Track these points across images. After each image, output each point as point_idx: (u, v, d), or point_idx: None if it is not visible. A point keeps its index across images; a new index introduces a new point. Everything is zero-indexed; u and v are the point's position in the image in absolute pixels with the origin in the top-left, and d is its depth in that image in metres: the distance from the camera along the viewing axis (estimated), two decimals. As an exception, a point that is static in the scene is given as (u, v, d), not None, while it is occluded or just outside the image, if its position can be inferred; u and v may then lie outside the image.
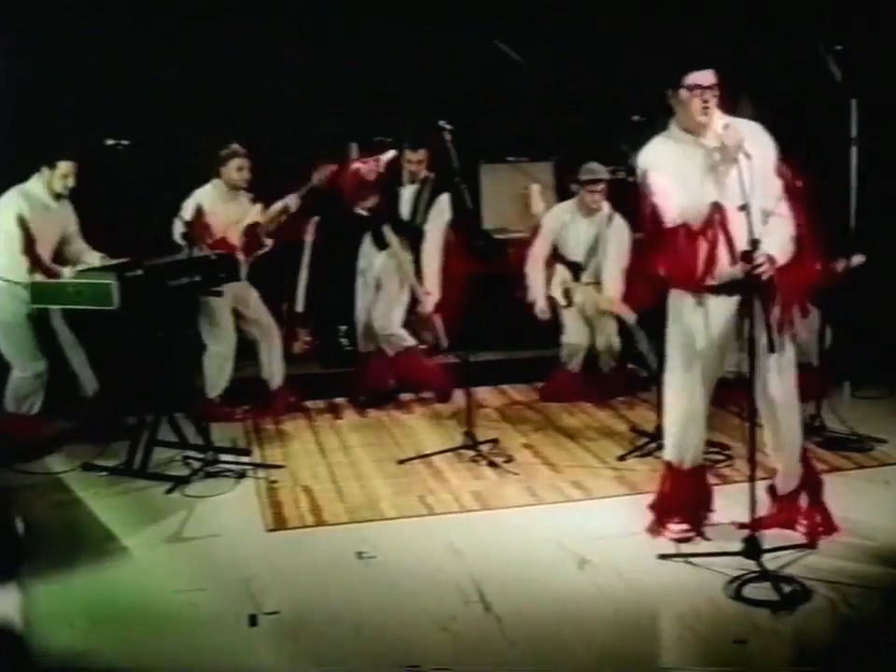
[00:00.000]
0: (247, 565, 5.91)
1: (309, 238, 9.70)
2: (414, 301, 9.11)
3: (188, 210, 8.09)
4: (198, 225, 8.01)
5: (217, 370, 8.69)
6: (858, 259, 8.02)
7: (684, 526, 6.07)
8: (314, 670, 4.85)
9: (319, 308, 9.89)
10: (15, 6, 8.41)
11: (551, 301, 9.12)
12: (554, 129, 8.71)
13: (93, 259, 8.07)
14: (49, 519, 6.70)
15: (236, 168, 8.49)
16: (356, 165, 8.88)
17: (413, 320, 9.29)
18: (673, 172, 5.67)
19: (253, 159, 8.54)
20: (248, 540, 6.34)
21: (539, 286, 9.08)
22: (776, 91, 8.91)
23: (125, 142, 7.41)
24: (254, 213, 8.61)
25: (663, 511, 6.15)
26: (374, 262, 9.15)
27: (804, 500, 6.04)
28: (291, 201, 8.69)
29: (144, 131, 7.91)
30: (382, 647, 4.98)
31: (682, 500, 6.11)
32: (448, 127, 7.96)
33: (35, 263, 7.63)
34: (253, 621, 5.22)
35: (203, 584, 5.68)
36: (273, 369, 9.04)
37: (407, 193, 8.98)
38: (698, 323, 5.79)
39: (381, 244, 9.07)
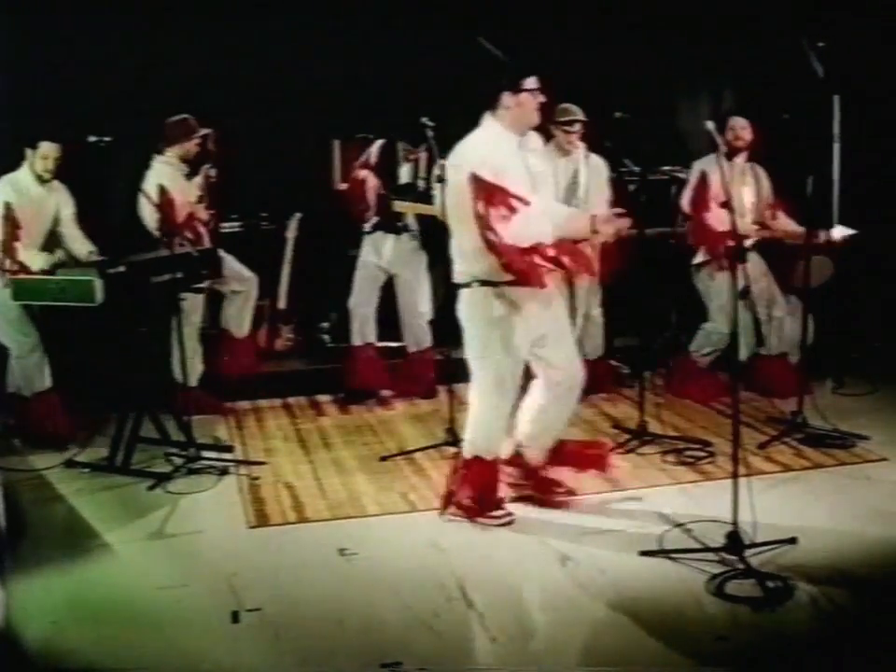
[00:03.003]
0: (230, 561, 5.91)
1: (291, 234, 9.70)
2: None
3: (151, 191, 8.03)
4: (167, 204, 7.97)
5: (192, 352, 8.60)
6: (839, 233, 8.03)
7: (505, 511, 6.40)
8: (296, 667, 4.85)
9: (302, 304, 9.88)
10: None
11: None
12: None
13: (82, 249, 8.06)
14: (31, 515, 6.68)
15: (197, 143, 8.48)
16: (359, 175, 8.87)
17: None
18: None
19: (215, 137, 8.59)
20: (230, 537, 6.34)
21: None
22: (758, 87, 8.93)
23: (107, 138, 7.40)
24: (196, 186, 8.55)
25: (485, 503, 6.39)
26: (384, 251, 9.01)
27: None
28: (209, 171, 8.64)
29: (126, 127, 7.87)
30: (364, 643, 4.98)
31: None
32: (430, 123, 7.96)
33: (8, 252, 7.60)
34: (235, 617, 5.22)
35: (185, 581, 5.67)
36: (244, 319, 9.06)
37: (404, 169, 8.97)
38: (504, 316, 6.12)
39: (395, 228, 8.96)
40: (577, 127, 8.54)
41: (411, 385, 9.20)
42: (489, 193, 5.86)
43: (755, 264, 8.26)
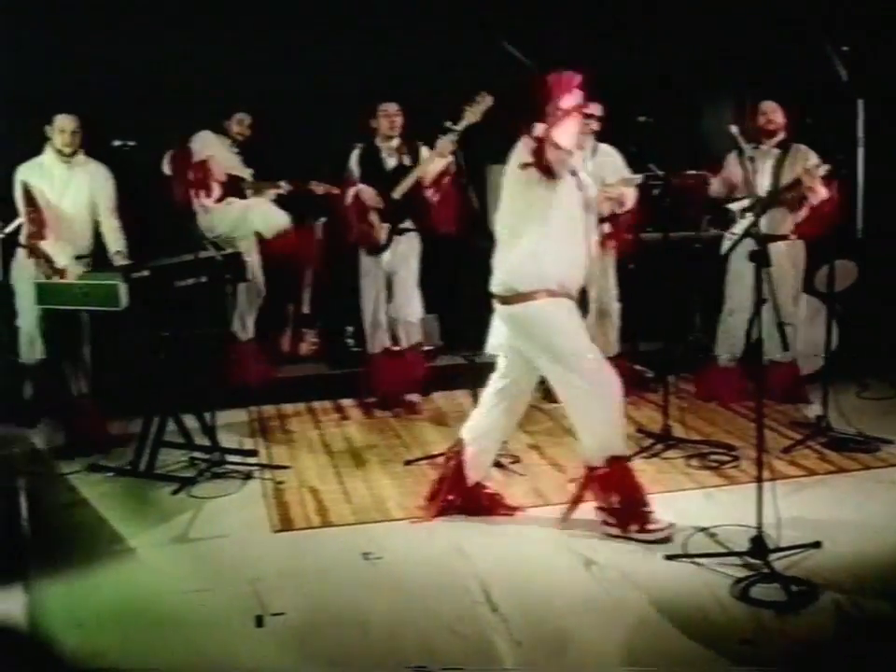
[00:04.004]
0: (254, 566, 5.92)
1: (315, 238, 9.71)
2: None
3: (196, 149, 8.25)
4: (181, 155, 8.17)
5: (248, 303, 8.85)
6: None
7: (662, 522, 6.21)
8: (320, 671, 4.86)
9: (326, 309, 9.90)
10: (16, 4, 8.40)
11: None
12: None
13: (111, 244, 8.12)
14: (55, 520, 6.71)
15: (237, 121, 8.93)
16: (352, 193, 8.94)
17: None
18: None
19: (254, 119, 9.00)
20: (255, 541, 6.34)
21: None
22: (783, 90, 8.90)
23: (131, 143, 7.43)
24: (244, 171, 8.86)
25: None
26: (384, 255, 9.04)
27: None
28: (284, 184, 8.76)
29: (148, 131, 7.89)
30: (388, 647, 4.98)
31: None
32: (455, 128, 7.98)
33: (34, 236, 7.63)
34: (259, 622, 5.22)
35: (209, 585, 5.69)
36: (248, 322, 9.17)
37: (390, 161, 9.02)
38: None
39: (399, 230, 9.01)
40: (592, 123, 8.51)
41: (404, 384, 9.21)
42: None
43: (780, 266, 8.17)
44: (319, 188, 8.96)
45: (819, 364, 8.35)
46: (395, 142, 8.90)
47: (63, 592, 5.61)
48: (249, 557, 6.08)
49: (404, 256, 8.97)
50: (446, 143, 8.27)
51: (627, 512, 6.13)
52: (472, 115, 8.13)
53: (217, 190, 8.62)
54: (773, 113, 8.42)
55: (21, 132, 8.02)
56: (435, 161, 8.56)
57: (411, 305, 9.07)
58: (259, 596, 5.49)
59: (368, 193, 8.87)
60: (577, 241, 6.10)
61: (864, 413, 8.05)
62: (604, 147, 8.69)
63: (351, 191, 8.93)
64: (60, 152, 7.87)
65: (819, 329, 8.29)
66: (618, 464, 6.15)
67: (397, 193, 8.81)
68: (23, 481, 7.26)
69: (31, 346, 8.07)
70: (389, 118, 8.84)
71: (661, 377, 8.14)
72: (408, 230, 9.00)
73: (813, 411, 8.02)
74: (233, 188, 8.80)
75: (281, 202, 9.02)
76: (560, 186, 5.97)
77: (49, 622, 5.27)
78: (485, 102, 8.11)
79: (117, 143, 7.41)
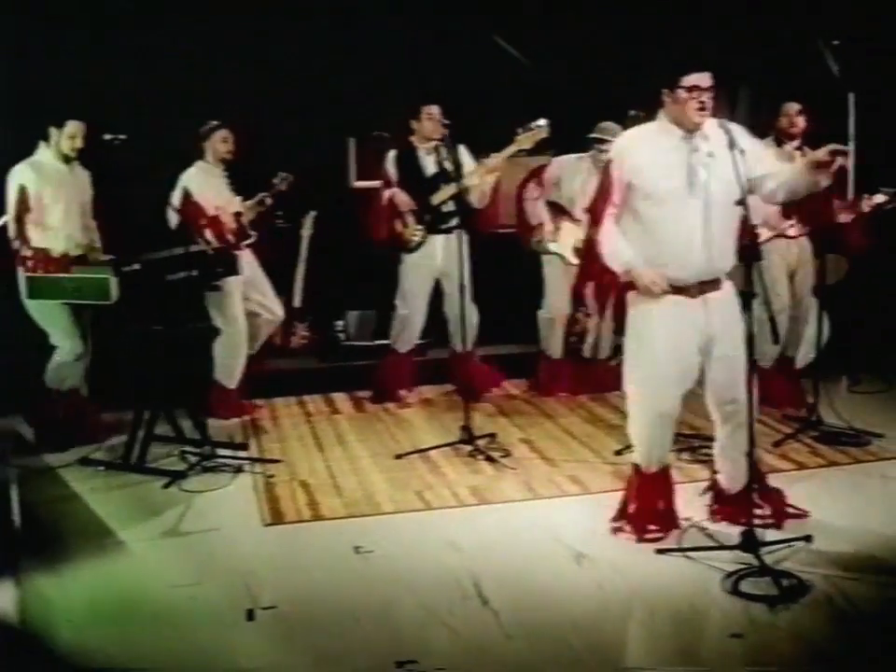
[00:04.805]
0: (245, 559, 5.93)
1: (307, 232, 9.70)
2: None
3: (176, 196, 8.10)
4: (189, 208, 8.02)
5: (234, 355, 8.64)
6: (881, 198, 7.83)
7: (655, 527, 6.08)
8: (311, 665, 4.85)
9: (317, 303, 9.89)
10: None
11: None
12: (553, 124, 8.69)
13: (97, 242, 8.09)
14: (46, 513, 6.70)
15: (221, 140, 8.48)
16: (387, 196, 8.89)
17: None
18: (647, 166, 5.76)
19: (236, 134, 8.55)
20: (245, 535, 6.34)
21: (542, 212, 8.94)
22: (774, 86, 8.91)
23: (122, 136, 7.41)
24: (237, 202, 8.54)
25: (633, 515, 6.14)
26: (436, 252, 8.94)
27: (755, 495, 6.01)
28: (267, 198, 8.64)
29: (140, 125, 7.87)
30: (379, 641, 4.98)
31: (649, 502, 6.13)
32: (447, 122, 7.97)
33: (20, 236, 7.61)
34: (250, 615, 5.23)
35: (200, 579, 5.69)
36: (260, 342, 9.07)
37: (428, 161, 8.93)
38: (663, 322, 5.82)
39: (443, 229, 8.90)
40: (608, 146, 8.54)
41: (472, 384, 8.77)
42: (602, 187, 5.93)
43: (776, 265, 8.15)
44: (282, 184, 8.75)
45: (811, 358, 8.35)
46: (433, 143, 8.75)
47: (53, 586, 5.60)
48: (240, 551, 6.08)
49: (456, 257, 8.38)
50: (494, 162, 8.31)
51: None
52: (525, 142, 8.25)
53: (232, 237, 8.44)
54: (797, 116, 8.12)
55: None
56: (481, 178, 8.52)
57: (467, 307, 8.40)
58: (250, 590, 5.49)
59: (402, 198, 8.82)
60: None
61: (855, 408, 8.07)
62: None
63: (386, 194, 8.87)
64: (65, 156, 7.83)
65: (809, 324, 8.29)
66: None
67: (436, 200, 8.77)
68: (14, 473, 7.25)
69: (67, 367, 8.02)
70: (432, 120, 8.65)
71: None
72: (452, 228, 8.80)
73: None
74: (239, 227, 8.57)
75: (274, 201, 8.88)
76: None
77: (39, 616, 5.26)
78: (541, 133, 8.20)
79: (107, 137, 7.39)
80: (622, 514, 6.17)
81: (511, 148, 8.24)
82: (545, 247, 8.91)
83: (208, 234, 8.08)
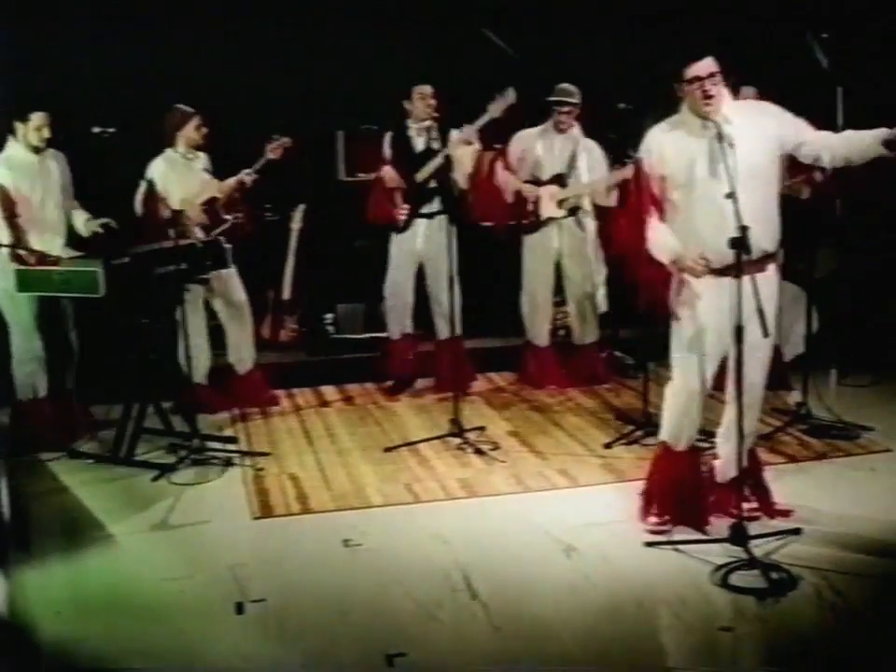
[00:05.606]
0: (234, 552, 5.92)
1: (296, 225, 9.68)
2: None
3: (140, 189, 8.05)
4: (151, 200, 7.96)
5: (197, 349, 8.46)
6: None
7: (664, 518, 6.07)
8: (300, 657, 4.86)
9: (306, 296, 9.88)
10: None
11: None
12: (542, 117, 8.71)
13: (79, 218, 8.02)
14: (35, 506, 6.70)
15: (195, 127, 8.33)
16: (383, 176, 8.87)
17: None
18: (674, 157, 5.76)
19: (207, 121, 8.41)
20: (235, 528, 6.35)
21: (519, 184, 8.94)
22: (763, 78, 8.90)
23: (111, 129, 7.39)
24: (211, 187, 8.39)
25: (654, 495, 6.14)
26: (417, 237, 8.96)
27: (746, 487, 6.03)
28: (246, 176, 8.52)
29: (129, 118, 7.86)
30: (368, 634, 4.99)
31: (674, 482, 6.10)
32: (434, 102, 8.00)
33: (14, 234, 7.58)
34: (239, 608, 5.23)
35: (189, 572, 5.69)
36: (243, 353, 8.83)
37: (418, 141, 8.89)
38: (706, 302, 5.80)
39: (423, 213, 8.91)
40: (566, 108, 8.60)
41: (444, 372, 8.91)
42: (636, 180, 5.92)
43: None
44: (277, 150, 8.63)
45: (800, 351, 8.36)
46: (425, 123, 8.74)
47: (43, 579, 5.60)
48: (229, 544, 6.08)
49: (439, 244, 8.51)
50: (469, 131, 8.30)
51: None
52: (495, 111, 8.23)
53: (200, 233, 8.35)
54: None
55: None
56: (460, 149, 8.51)
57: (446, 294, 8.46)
58: (239, 583, 5.49)
59: (389, 174, 8.83)
60: None
61: (845, 401, 8.07)
62: (589, 142, 8.88)
63: (379, 173, 8.90)
64: (35, 148, 7.79)
65: (799, 317, 8.29)
66: None
67: (420, 176, 8.76)
68: (2, 466, 7.23)
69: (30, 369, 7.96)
70: (424, 99, 8.68)
71: (641, 364, 8.15)
72: (434, 213, 8.86)
73: (793, 398, 8.03)
74: (213, 214, 8.49)
75: (259, 190, 8.81)
76: None
77: (29, 608, 5.26)
78: (508, 100, 8.18)
79: (96, 129, 7.38)
80: (649, 498, 6.17)
81: (484, 118, 8.26)
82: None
83: (170, 231, 7.97)
